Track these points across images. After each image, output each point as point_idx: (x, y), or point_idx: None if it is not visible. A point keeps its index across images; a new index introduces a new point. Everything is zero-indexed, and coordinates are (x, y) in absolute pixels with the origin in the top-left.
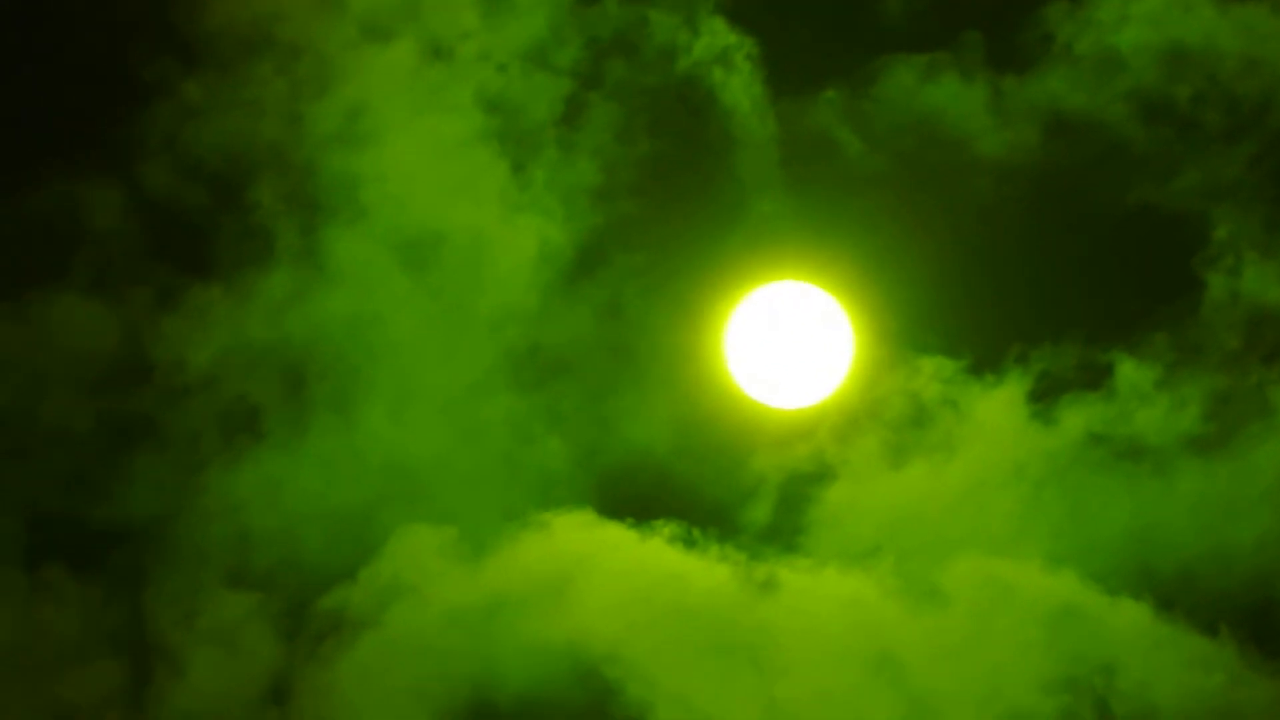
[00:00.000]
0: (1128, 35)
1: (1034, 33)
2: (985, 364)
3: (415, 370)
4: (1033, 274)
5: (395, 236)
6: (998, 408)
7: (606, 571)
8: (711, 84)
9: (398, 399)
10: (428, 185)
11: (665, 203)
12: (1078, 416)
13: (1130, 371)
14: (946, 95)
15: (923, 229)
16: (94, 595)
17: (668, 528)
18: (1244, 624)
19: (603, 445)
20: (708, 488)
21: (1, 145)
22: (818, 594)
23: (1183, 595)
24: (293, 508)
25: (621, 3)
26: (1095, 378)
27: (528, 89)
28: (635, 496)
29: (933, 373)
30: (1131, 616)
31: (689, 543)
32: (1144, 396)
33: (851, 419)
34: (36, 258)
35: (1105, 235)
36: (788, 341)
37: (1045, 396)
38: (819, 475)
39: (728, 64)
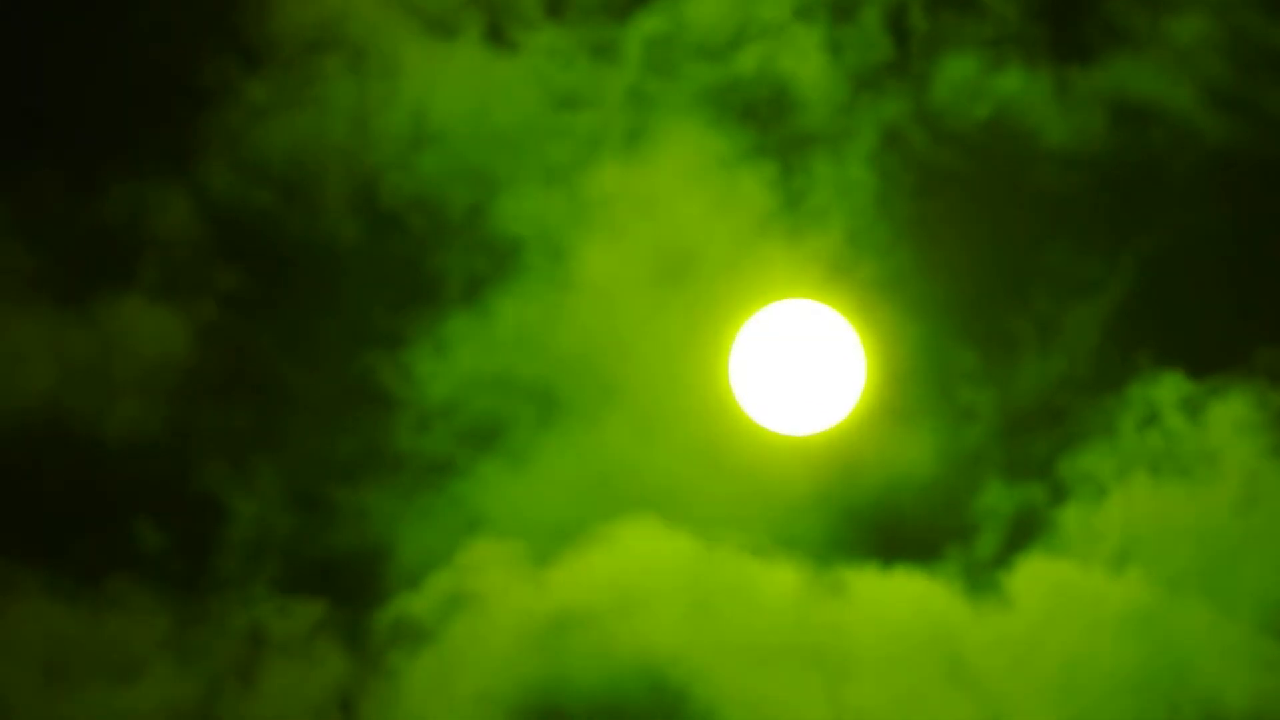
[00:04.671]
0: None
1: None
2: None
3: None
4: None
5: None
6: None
7: (674, 580)
8: (779, 74)
9: (642, 418)
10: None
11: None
12: None
13: None
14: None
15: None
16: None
17: (735, 536)
18: None
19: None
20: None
21: (68, 149)
22: (886, 597)
23: None
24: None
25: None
26: None
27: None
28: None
29: (1170, 387)
30: (1202, 618)
31: (757, 550)
32: None
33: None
34: (104, 262)
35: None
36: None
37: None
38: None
39: (797, 51)
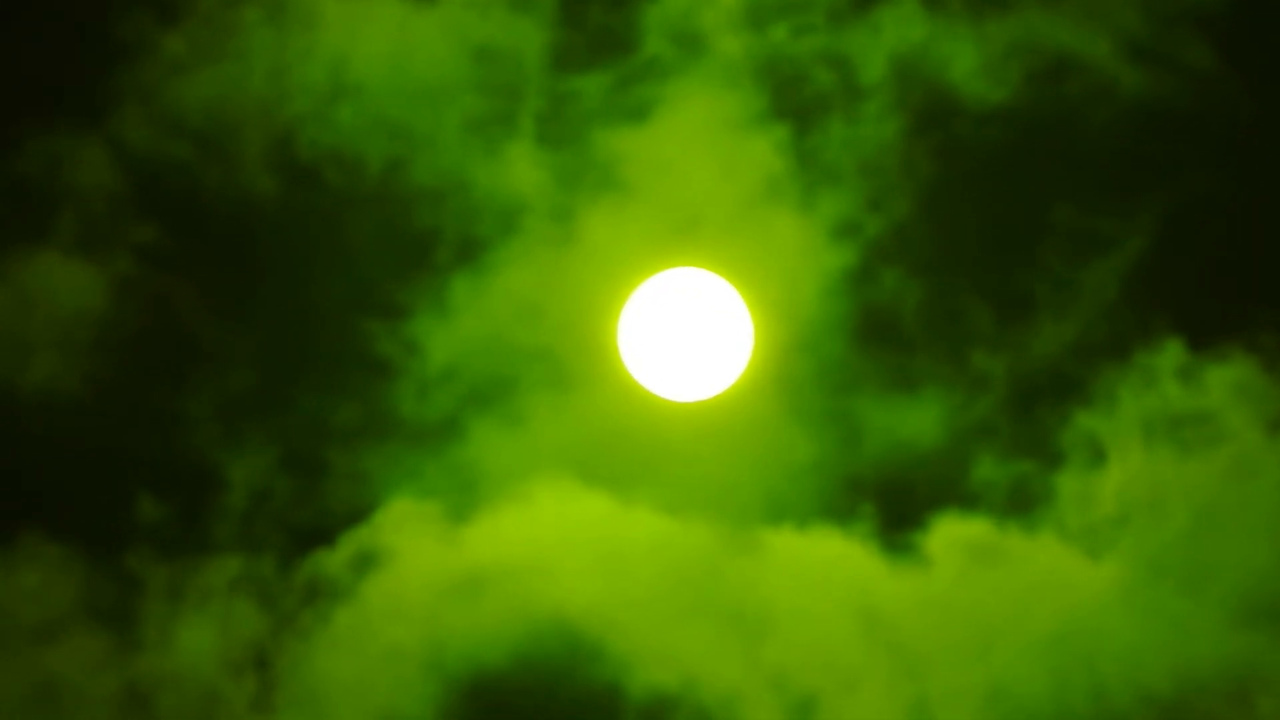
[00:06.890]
0: None
1: None
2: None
3: None
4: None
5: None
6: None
7: (589, 539)
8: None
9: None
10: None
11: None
12: None
13: None
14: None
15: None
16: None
17: (650, 495)
18: None
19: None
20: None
21: None
22: (801, 555)
23: None
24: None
25: None
26: None
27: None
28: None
29: (1165, 356)
30: (1117, 579)
31: (671, 510)
32: None
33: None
34: (18, 217)
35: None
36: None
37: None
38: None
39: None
